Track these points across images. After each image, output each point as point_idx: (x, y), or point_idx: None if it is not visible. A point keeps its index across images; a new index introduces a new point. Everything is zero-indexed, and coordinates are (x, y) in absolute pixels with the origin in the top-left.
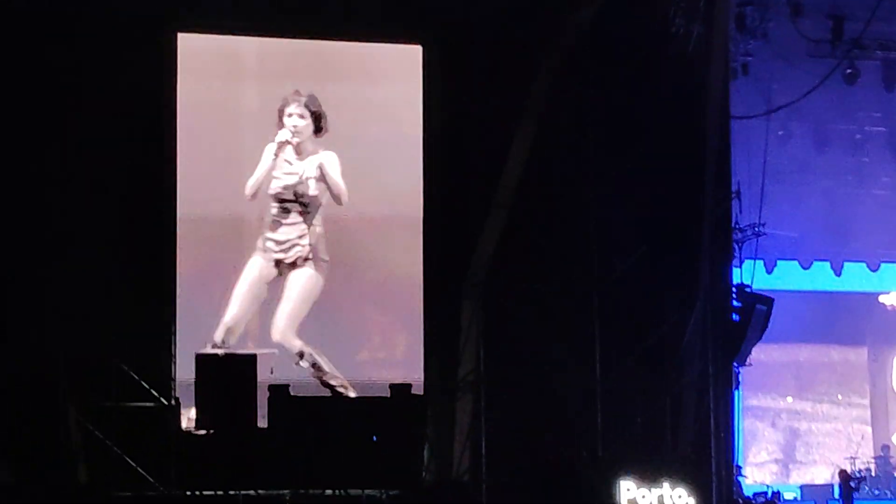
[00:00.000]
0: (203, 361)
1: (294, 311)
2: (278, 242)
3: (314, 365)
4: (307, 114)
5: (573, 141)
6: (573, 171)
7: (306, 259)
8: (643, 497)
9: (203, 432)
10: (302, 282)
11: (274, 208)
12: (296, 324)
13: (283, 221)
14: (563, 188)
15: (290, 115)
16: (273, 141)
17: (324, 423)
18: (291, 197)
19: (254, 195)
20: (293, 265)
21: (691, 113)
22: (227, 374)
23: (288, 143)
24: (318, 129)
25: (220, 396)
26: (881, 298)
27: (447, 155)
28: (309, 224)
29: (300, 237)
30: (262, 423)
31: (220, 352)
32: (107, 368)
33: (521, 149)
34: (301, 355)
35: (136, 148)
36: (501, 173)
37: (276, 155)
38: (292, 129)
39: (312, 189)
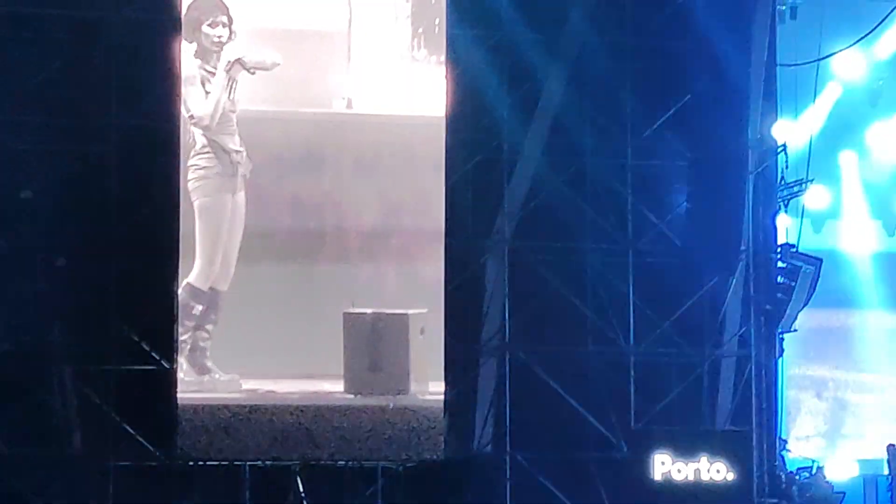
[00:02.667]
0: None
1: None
2: (240, 153)
3: None
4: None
5: (609, 87)
6: (608, 119)
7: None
8: (679, 472)
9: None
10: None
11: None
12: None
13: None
14: (597, 138)
15: (214, 25)
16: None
17: None
18: (234, 108)
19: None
20: None
21: (735, 59)
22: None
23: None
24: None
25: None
26: None
27: (472, 101)
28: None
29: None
30: None
31: (367, 311)
32: (106, 330)
33: (551, 95)
34: None
35: (135, 94)
36: (531, 121)
37: (228, 73)
38: (217, 38)
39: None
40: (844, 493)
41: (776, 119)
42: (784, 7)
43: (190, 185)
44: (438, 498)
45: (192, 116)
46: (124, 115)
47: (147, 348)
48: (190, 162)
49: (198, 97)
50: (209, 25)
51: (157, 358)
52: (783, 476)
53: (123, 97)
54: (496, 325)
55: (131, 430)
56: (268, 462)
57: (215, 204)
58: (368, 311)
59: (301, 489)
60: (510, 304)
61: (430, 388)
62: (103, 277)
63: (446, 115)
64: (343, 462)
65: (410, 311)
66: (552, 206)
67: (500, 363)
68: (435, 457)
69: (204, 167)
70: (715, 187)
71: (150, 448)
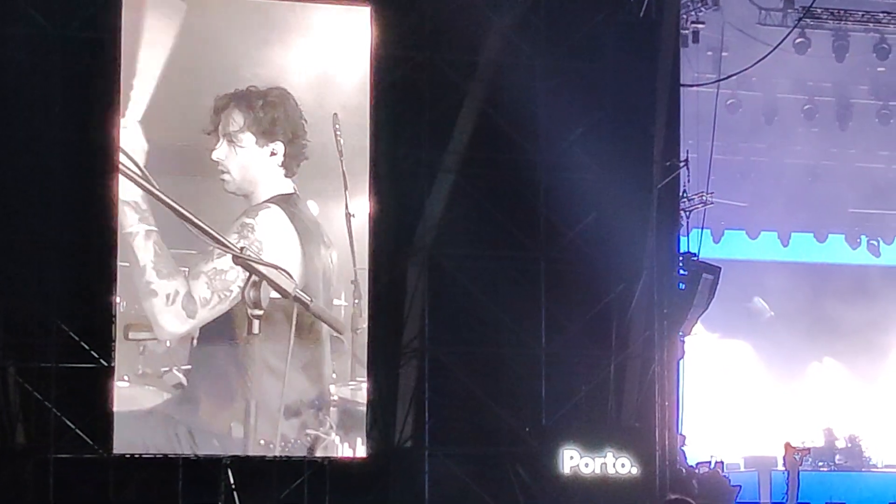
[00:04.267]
0: None
1: None
2: None
3: None
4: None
5: (523, 105)
6: (522, 136)
7: None
8: (586, 465)
9: None
10: None
11: None
12: None
13: None
14: (512, 153)
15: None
16: None
17: None
18: None
19: None
20: None
21: (641, 79)
22: None
23: None
24: None
25: None
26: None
27: (394, 117)
28: None
29: None
30: None
31: None
32: (46, 328)
33: (470, 113)
34: None
35: (80, 96)
36: (450, 137)
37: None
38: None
39: None
40: (740, 487)
41: (679, 136)
42: (687, 31)
43: None
44: (361, 491)
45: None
46: (67, 124)
47: (86, 346)
48: None
49: None
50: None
51: (96, 356)
52: (684, 470)
53: (66, 107)
54: (417, 328)
55: (71, 425)
56: (200, 455)
57: None
58: None
59: (232, 482)
60: (430, 308)
61: None
62: (44, 277)
63: (370, 130)
64: (271, 456)
65: None
66: (470, 216)
67: (420, 364)
68: (358, 451)
69: None
70: (622, 200)
71: (89, 441)
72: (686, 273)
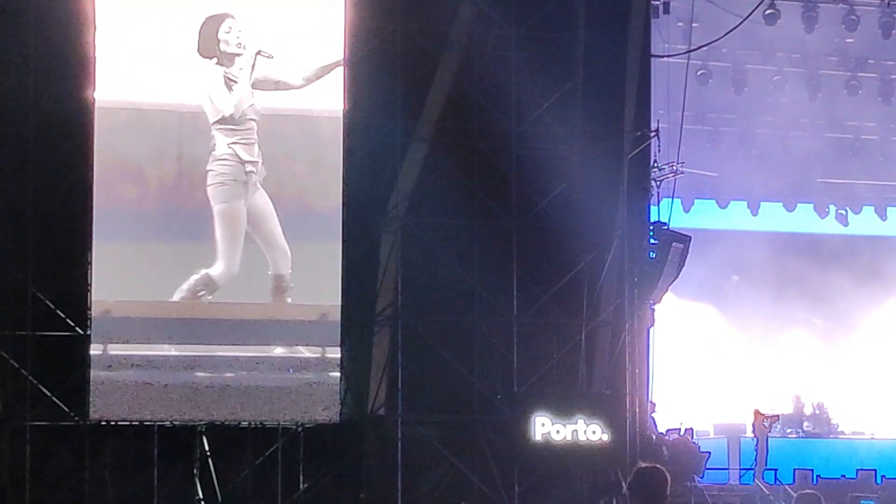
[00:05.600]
0: None
1: None
2: (255, 164)
3: None
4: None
5: (494, 76)
6: (494, 106)
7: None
8: (557, 432)
9: None
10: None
11: (246, 131)
12: None
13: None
14: (484, 123)
15: (228, 31)
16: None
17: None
18: (255, 116)
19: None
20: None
21: (612, 50)
22: None
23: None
24: None
25: None
26: None
27: (369, 87)
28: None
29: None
30: None
31: None
32: (22, 296)
33: (442, 83)
34: None
35: (53, 69)
36: (422, 107)
37: (253, 68)
38: (236, 42)
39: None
40: (710, 454)
41: (650, 106)
42: (657, 2)
43: (209, 191)
44: (334, 457)
45: (221, 118)
46: (41, 99)
47: (62, 315)
48: (209, 167)
49: (223, 96)
50: (225, 33)
51: (72, 324)
52: (654, 437)
53: (41, 82)
54: (390, 297)
55: (47, 392)
56: (175, 422)
57: (232, 210)
58: None
59: (206, 448)
60: (403, 277)
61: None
62: (20, 248)
63: (344, 101)
64: (245, 423)
65: None
66: (443, 186)
67: (393, 332)
68: (332, 418)
69: (221, 174)
70: (593, 169)
71: (65, 409)
72: (656, 242)
